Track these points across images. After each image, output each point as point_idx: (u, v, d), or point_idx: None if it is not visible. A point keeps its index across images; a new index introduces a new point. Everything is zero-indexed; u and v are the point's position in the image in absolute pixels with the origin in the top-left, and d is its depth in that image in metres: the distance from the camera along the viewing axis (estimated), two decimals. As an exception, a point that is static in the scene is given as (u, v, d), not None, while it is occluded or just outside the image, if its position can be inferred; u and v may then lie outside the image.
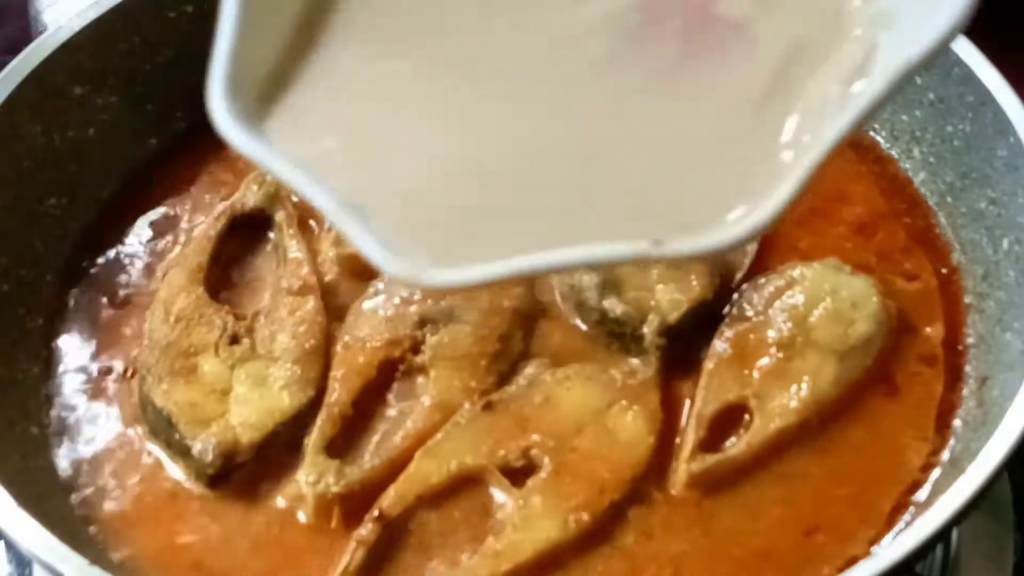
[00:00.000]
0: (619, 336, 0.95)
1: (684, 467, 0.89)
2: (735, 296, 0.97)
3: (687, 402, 0.93)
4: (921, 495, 0.88)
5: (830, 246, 1.02)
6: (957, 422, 0.92)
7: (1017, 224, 0.96)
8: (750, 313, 0.96)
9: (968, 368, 0.95)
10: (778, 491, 0.89)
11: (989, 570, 1.00)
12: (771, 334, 0.94)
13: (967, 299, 0.99)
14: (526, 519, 0.86)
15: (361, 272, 1.00)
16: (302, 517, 0.89)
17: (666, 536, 0.87)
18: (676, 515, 0.88)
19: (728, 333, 0.95)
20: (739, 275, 0.99)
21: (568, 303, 0.98)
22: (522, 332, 0.96)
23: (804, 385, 0.91)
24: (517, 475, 0.88)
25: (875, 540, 0.86)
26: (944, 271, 1.01)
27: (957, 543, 1.01)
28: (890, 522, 0.87)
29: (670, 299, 0.95)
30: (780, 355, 0.93)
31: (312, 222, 1.06)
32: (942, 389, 0.94)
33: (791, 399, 0.91)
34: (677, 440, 0.91)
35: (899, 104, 1.08)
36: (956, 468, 0.87)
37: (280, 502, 0.89)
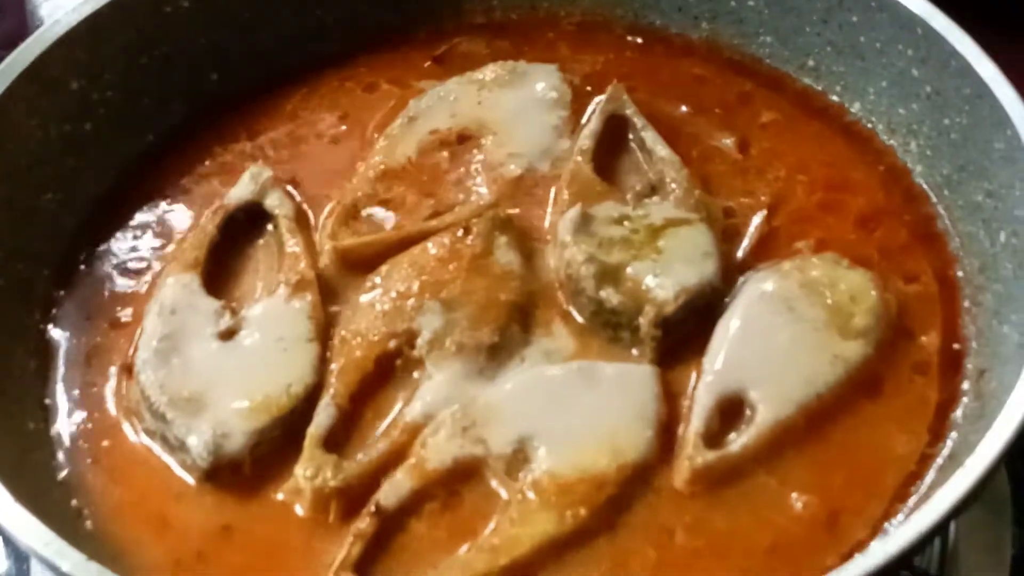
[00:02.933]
0: (615, 327, 0.95)
1: (687, 463, 0.88)
2: (734, 288, 0.97)
3: (685, 394, 0.93)
4: (919, 489, 0.88)
5: (830, 239, 1.02)
6: (955, 415, 0.92)
7: (1014, 217, 0.95)
8: (748, 303, 0.95)
9: (966, 361, 0.95)
10: (778, 485, 0.88)
11: (987, 563, 1.00)
12: (771, 323, 0.94)
13: (964, 292, 0.99)
14: (523, 513, 0.86)
15: (357, 264, 1.00)
16: (299, 510, 0.88)
17: (670, 530, 0.87)
18: (679, 509, 0.87)
19: (726, 325, 0.95)
20: (738, 264, 0.99)
21: (565, 293, 0.98)
22: (519, 325, 0.96)
23: (804, 378, 0.91)
24: (515, 467, 0.88)
25: (873, 533, 0.86)
26: (941, 263, 1.01)
27: (955, 536, 1.01)
28: (888, 515, 0.87)
29: (667, 291, 0.95)
30: (780, 348, 0.93)
31: (310, 215, 1.06)
32: (940, 383, 0.94)
33: (792, 392, 0.90)
34: (679, 433, 0.90)
35: (896, 97, 1.08)
36: (954, 462, 0.87)
37: (278, 496, 0.89)
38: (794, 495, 0.88)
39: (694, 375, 0.94)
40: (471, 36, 1.21)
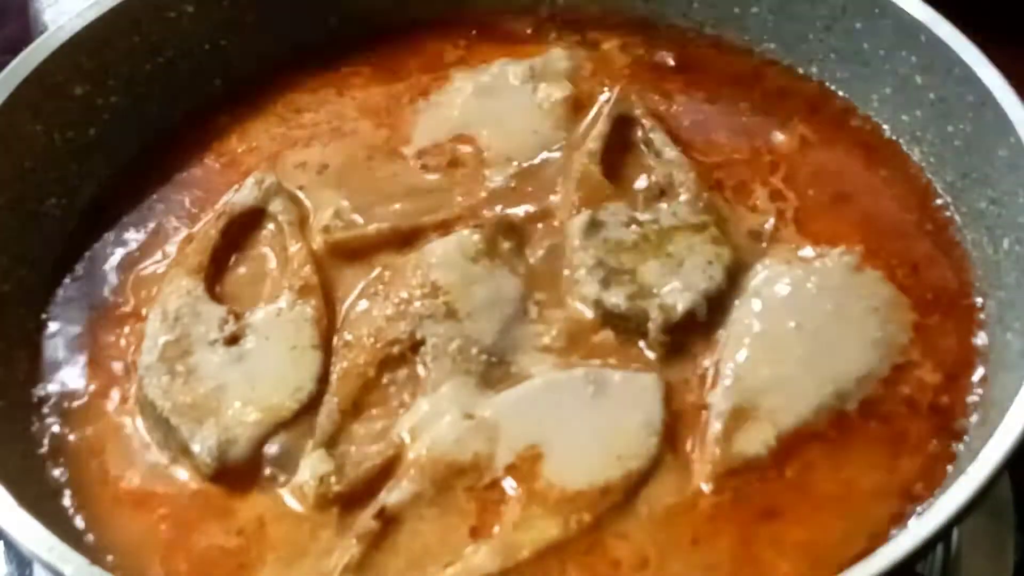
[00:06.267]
0: (624, 330, 0.95)
1: (710, 467, 0.88)
2: (745, 290, 0.97)
3: (691, 391, 0.93)
4: (923, 494, 0.88)
5: (838, 242, 1.02)
6: (958, 422, 0.92)
7: (1017, 224, 0.95)
8: (761, 308, 0.95)
9: (970, 368, 0.95)
10: (789, 483, 0.88)
11: (989, 570, 1.00)
12: (784, 328, 0.94)
13: (967, 299, 0.99)
14: (527, 518, 0.86)
15: (350, 255, 1.01)
16: (303, 513, 0.88)
17: (673, 532, 0.87)
18: (696, 511, 0.87)
19: (740, 328, 0.95)
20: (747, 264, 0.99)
21: (574, 296, 0.98)
22: (524, 328, 0.96)
23: (822, 383, 0.91)
24: (519, 472, 0.88)
25: (876, 539, 0.86)
26: (951, 271, 1.01)
27: (958, 543, 1.01)
28: (891, 522, 0.87)
29: (676, 295, 0.95)
30: (797, 353, 0.93)
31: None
32: (945, 389, 0.94)
33: (810, 397, 0.91)
34: (692, 439, 0.90)
35: (900, 104, 1.08)
36: (957, 468, 0.87)
37: (281, 500, 0.89)
38: (798, 499, 0.88)
39: (701, 376, 0.94)
40: (455, 38, 1.22)
